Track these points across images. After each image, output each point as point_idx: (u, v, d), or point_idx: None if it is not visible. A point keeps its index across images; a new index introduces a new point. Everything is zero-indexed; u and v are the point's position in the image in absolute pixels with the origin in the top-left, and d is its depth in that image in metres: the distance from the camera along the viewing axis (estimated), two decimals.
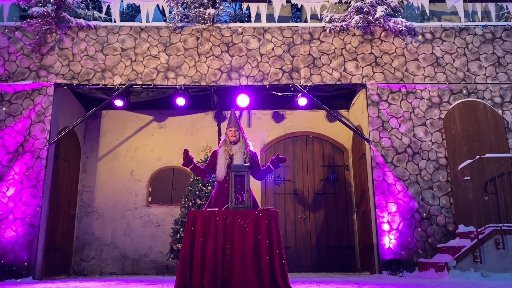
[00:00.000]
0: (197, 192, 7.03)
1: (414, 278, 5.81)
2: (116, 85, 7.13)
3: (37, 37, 7.12)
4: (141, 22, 7.53)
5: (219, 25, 7.43)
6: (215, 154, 5.02)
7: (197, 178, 7.27)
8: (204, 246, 4.08)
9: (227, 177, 4.74)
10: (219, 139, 7.93)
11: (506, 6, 7.93)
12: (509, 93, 7.16)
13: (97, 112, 8.23)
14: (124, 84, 7.13)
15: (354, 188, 8.20)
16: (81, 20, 7.25)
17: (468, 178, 6.16)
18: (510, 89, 7.18)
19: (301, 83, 7.19)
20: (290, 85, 7.21)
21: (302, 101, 7.60)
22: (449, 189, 6.76)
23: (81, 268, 7.83)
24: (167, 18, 7.49)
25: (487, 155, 6.38)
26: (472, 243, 5.70)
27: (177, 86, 7.20)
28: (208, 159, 5.24)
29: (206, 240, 4.10)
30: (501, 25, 7.46)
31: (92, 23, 7.32)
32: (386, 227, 6.57)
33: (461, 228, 6.35)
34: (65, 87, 7.20)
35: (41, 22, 7.10)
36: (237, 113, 8.62)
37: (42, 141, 6.81)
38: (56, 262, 7.23)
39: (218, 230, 4.12)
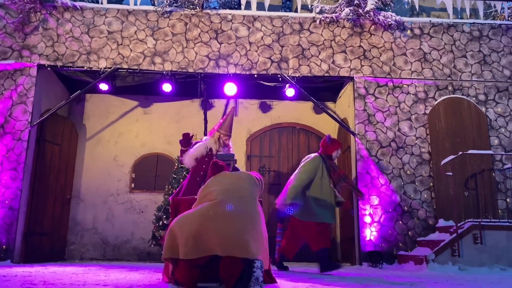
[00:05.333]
0: (181, 180, 6.98)
1: (394, 270, 5.90)
2: (101, 68, 7.00)
3: (21, 15, 6.92)
4: (128, 5, 7.37)
5: (209, 11, 7.34)
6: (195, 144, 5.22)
7: (182, 166, 7.22)
8: None
9: (201, 172, 4.92)
10: (205, 128, 7.86)
11: (494, 5, 8.01)
12: (493, 91, 7.27)
13: (81, 96, 8.09)
14: (110, 68, 7.01)
15: None
16: (67, 0, 7.08)
17: (450, 173, 6.26)
18: (494, 87, 7.28)
19: (290, 74, 7.17)
20: (279, 75, 7.18)
21: (290, 92, 7.58)
22: (431, 184, 6.86)
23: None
24: (156, 2, 7.36)
25: (470, 151, 6.48)
26: (451, 237, 5.82)
27: (164, 72, 7.11)
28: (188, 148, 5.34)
29: None
30: (488, 23, 7.54)
31: (78, 3, 7.15)
32: (368, 219, 6.65)
33: (441, 222, 6.46)
34: (48, 69, 7.03)
35: (25, 1, 6.90)
36: (224, 102, 8.57)
37: (23, 123, 6.66)
38: (46, 246, 7.05)
39: None
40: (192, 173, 5.06)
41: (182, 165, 7.15)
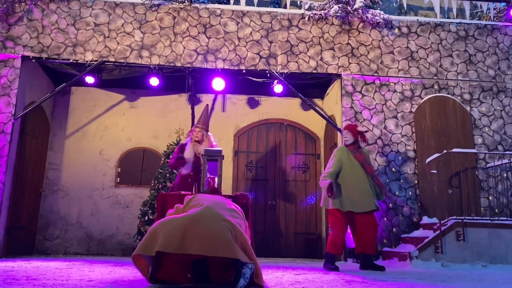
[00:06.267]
0: (168, 175, 6.95)
1: None
2: (87, 61, 6.91)
3: (5, 5, 6.78)
4: None
5: (197, 5, 7.28)
6: (182, 147, 5.32)
7: (168, 160, 7.18)
8: None
9: (191, 173, 4.98)
10: (193, 123, 7.84)
11: (480, 5, 8.11)
12: (477, 90, 7.37)
13: (66, 88, 7.97)
14: (96, 61, 6.92)
15: None
16: None
17: (435, 171, 6.34)
18: (479, 87, 7.39)
19: (278, 70, 7.16)
20: (267, 71, 7.18)
21: (278, 88, 7.59)
22: (416, 181, 6.94)
23: (44, 247, 7.65)
24: None
25: (454, 150, 6.56)
26: (435, 234, 5.89)
27: (151, 66, 7.04)
28: (176, 150, 5.46)
29: None
30: (474, 24, 7.63)
31: None
32: None
33: (425, 219, 6.55)
34: (33, 60, 6.92)
35: None
36: (211, 97, 8.53)
37: (7, 115, 6.55)
38: (20, 240, 7.01)
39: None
40: (182, 175, 5.17)
41: (168, 160, 7.12)
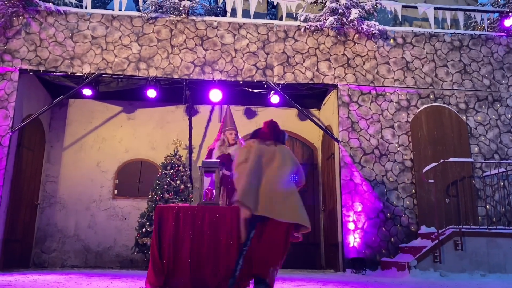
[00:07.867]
0: (165, 186, 6.93)
1: (377, 277, 5.95)
2: (85, 73, 6.94)
3: (3, 19, 6.82)
4: (113, 10, 7.34)
5: (194, 17, 7.34)
6: (210, 152, 5.33)
7: (166, 172, 7.16)
8: (174, 242, 4.01)
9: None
10: (190, 134, 7.87)
11: (474, 16, 8.20)
12: (473, 100, 7.43)
13: (64, 101, 7.98)
14: (94, 73, 6.95)
15: (322, 186, 8.31)
16: (50, 5, 7.00)
17: (432, 181, 6.36)
18: (474, 96, 7.44)
19: (275, 81, 7.21)
20: (264, 82, 7.22)
21: (275, 98, 7.63)
22: (413, 191, 6.96)
23: (41, 260, 7.60)
24: (141, 8, 7.34)
25: (451, 159, 6.60)
26: (433, 244, 5.90)
27: (149, 78, 7.08)
28: (206, 157, 5.54)
29: (175, 236, 4.03)
30: (468, 34, 7.72)
31: (61, 8, 7.08)
32: (351, 226, 6.70)
33: (423, 229, 6.55)
34: (31, 73, 6.94)
35: (7, 4, 6.80)
36: (209, 108, 8.55)
37: (4, 128, 6.55)
38: (16, 253, 6.98)
39: (186, 225, 4.07)
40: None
41: (166, 171, 7.10)
